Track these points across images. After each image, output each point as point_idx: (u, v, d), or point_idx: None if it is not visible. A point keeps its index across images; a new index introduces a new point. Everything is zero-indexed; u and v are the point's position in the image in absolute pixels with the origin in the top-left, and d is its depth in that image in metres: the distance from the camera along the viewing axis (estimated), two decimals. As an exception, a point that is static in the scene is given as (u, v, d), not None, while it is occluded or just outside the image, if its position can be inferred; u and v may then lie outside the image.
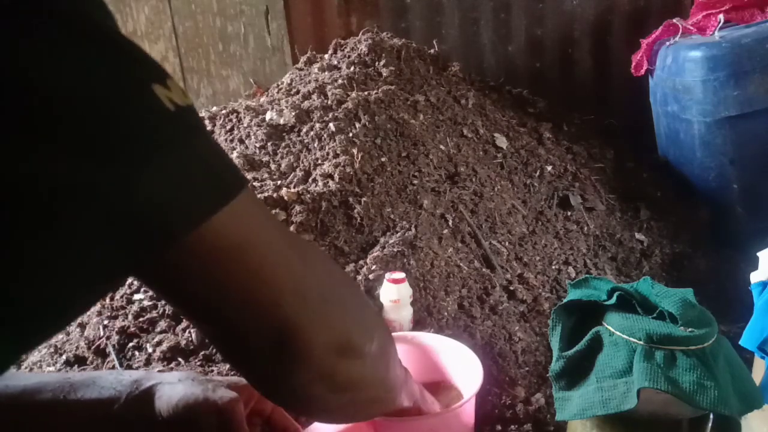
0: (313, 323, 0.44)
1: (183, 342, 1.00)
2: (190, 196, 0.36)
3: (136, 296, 1.10)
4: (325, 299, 0.45)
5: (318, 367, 0.45)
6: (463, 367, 0.82)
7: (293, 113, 1.35)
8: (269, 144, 1.32)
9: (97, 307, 1.10)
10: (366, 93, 1.37)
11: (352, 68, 1.50)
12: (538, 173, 1.49)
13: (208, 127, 1.49)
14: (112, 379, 0.61)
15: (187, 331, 1.02)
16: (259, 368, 0.45)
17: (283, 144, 1.32)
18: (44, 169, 0.30)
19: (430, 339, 0.88)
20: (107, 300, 1.10)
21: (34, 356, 1.08)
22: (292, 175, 1.25)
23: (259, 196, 1.16)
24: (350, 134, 1.28)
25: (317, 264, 0.48)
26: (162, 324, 1.05)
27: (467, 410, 0.75)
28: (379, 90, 1.39)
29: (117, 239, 0.33)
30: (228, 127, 1.43)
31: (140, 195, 0.33)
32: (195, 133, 0.37)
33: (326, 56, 1.62)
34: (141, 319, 1.06)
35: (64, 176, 0.31)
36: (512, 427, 0.94)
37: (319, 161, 1.25)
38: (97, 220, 0.32)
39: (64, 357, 1.05)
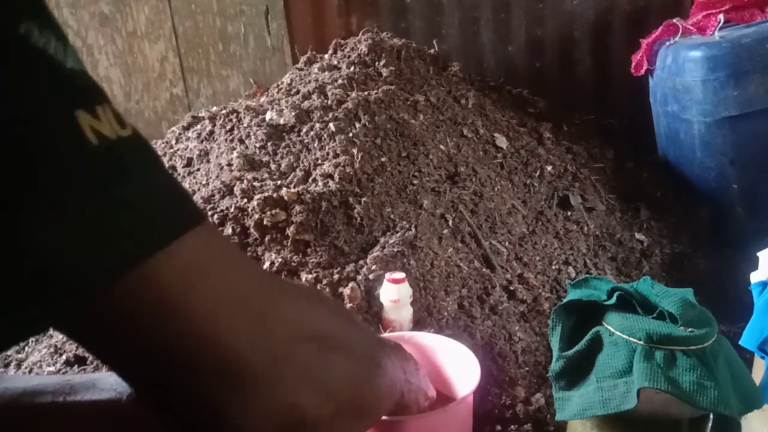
0: (250, 405, 0.36)
1: (183, 342, 1.00)
2: (103, 245, 0.30)
3: (136, 296, 1.10)
4: (267, 379, 0.37)
5: None
6: (461, 367, 0.82)
7: (293, 113, 1.35)
8: (269, 144, 1.32)
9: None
10: (366, 93, 1.37)
11: (352, 68, 1.50)
12: (538, 173, 1.49)
13: (208, 128, 1.48)
14: (112, 381, 0.60)
15: (187, 331, 1.02)
16: None
17: (283, 144, 1.32)
18: None
19: (426, 339, 0.88)
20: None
21: (35, 356, 1.08)
22: (292, 175, 1.25)
23: (258, 196, 1.16)
24: (350, 134, 1.28)
25: (280, 326, 0.39)
26: (162, 324, 1.05)
27: (465, 408, 0.75)
28: (379, 90, 1.39)
29: (25, 287, 0.29)
30: (228, 127, 1.43)
31: (43, 244, 0.28)
32: (118, 173, 0.31)
33: (326, 56, 1.62)
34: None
35: None
36: (512, 427, 0.94)
37: (319, 161, 1.25)
38: (7, 264, 0.28)
39: (64, 357, 1.05)
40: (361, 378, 0.46)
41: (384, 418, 0.67)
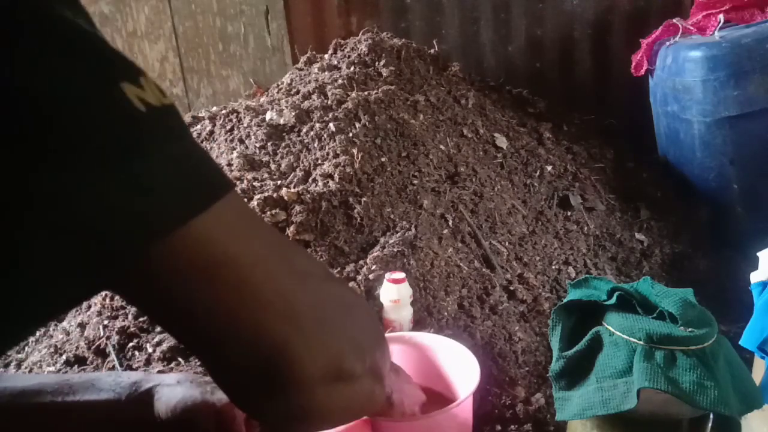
0: (303, 350, 0.40)
1: (183, 342, 1.00)
2: (158, 204, 0.33)
3: (136, 296, 1.10)
4: (317, 320, 0.42)
5: (308, 396, 0.41)
6: (461, 367, 0.82)
7: (293, 113, 1.35)
8: (269, 144, 1.32)
9: (97, 307, 1.10)
10: (366, 93, 1.37)
11: (352, 68, 1.50)
12: (538, 173, 1.49)
13: (208, 127, 1.49)
14: (110, 381, 0.60)
15: (187, 331, 1.02)
16: (243, 392, 0.42)
17: (283, 144, 1.32)
18: (5, 175, 0.29)
19: (426, 339, 0.88)
20: (107, 300, 1.10)
21: (35, 356, 1.08)
22: (292, 175, 1.25)
23: (259, 196, 1.16)
24: (350, 134, 1.28)
25: (311, 279, 0.44)
26: (162, 324, 1.05)
27: (465, 409, 0.76)
28: (379, 90, 1.39)
29: (82, 250, 0.31)
30: (228, 127, 1.43)
31: (104, 203, 0.31)
32: (168, 136, 0.34)
33: (326, 56, 1.62)
34: (141, 319, 1.06)
35: (26, 183, 0.29)
36: (512, 427, 0.94)
37: (319, 161, 1.25)
38: (61, 228, 0.30)
39: (64, 357, 1.05)
40: (379, 344, 0.51)
41: (383, 420, 0.67)
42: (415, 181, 1.27)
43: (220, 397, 0.60)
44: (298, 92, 1.45)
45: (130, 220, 0.32)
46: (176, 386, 0.60)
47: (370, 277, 1.07)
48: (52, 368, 1.04)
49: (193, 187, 0.35)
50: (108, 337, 1.05)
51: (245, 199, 1.18)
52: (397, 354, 0.85)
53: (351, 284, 1.06)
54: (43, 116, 0.29)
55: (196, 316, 0.37)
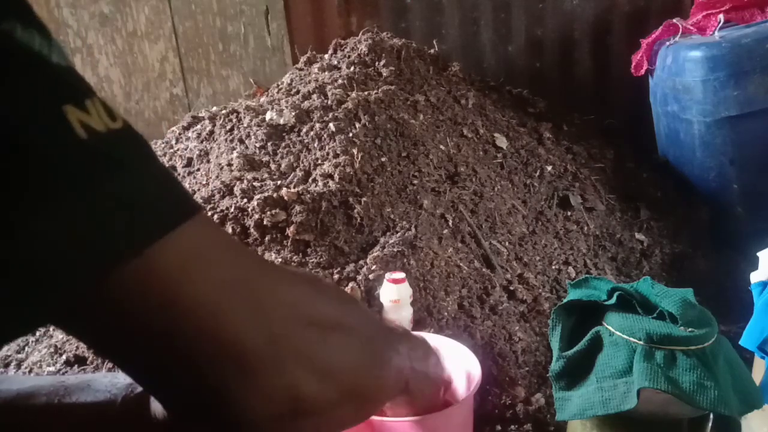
0: (246, 392, 0.36)
1: (183, 342, 1.00)
2: (89, 245, 0.30)
3: (136, 296, 1.10)
4: (271, 357, 0.37)
5: None
6: (462, 368, 0.82)
7: (293, 113, 1.35)
8: (269, 144, 1.32)
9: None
10: (366, 93, 1.37)
11: (352, 68, 1.50)
12: (538, 173, 1.49)
13: (208, 128, 1.48)
14: (107, 382, 0.60)
15: (187, 331, 1.02)
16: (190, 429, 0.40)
17: (283, 144, 1.32)
18: None
19: (428, 339, 0.88)
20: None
21: (34, 356, 1.08)
22: (292, 175, 1.25)
23: (258, 196, 1.16)
24: (350, 134, 1.28)
25: (277, 308, 0.39)
26: (162, 324, 1.05)
27: (465, 409, 0.75)
28: (379, 90, 1.39)
29: (18, 286, 0.29)
30: (228, 127, 1.43)
31: (34, 240, 0.28)
32: (110, 165, 0.31)
33: (326, 56, 1.62)
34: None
35: None
36: (512, 427, 0.94)
37: (319, 161, 1.25)
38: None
39: (64, 357, 1.05)
40: (363, 364, 0.45)
41: (385, 419, 0.67)
42: (415, 181, 1.27)
43: None
44: (298, 92, 1.45)
45: (59, 259, 0.29)
46: None
47: (370, 277, 1.07)
48: (52, 368, 1.04)
49: (139, 219, 0.32)
50: (108, 337, 1.05)
51: (245, 199, 1.17)
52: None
53: (351, 284, 1.06)
54: None
55: (137, 353, 0.35)
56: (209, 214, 1.17)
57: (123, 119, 0.32)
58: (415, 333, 0.65)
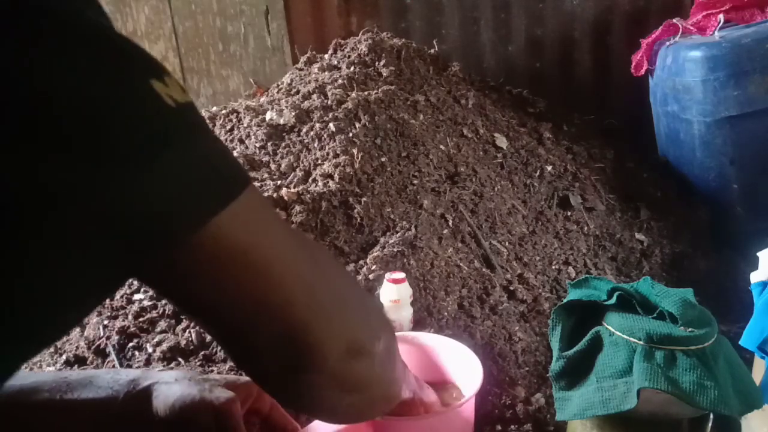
0: (325, 325, 0.43)
1: (183, 342, 1.00)
2: (191, 196, 0.35)
3: (136, 296, 1.10)
4: (335, 300, 0.45)
5: (330, 369, 0.44)
6: (463, 367, 0.82)
7: (293, 113, 1.35)
8: (269, 144, 1.32)
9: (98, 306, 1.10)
10: (366, 93, 1.37)
11: (352, 68, 1.50)
12: (538, 173, 1.49)
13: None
14: (108, 379, 0.60)
15: (187, 331, 1.02)
16: (268, 370, 0.44)
17: (283, 144, 1.32)
18: (44, 173, 0.30)
19: (429, 339, 0.88)
20: (107, 300, 1.10)
21: (34, 356, 1.08)
22: (292, 175, 1.25)
23: (259, 196, 1.16)
24: (350, 134, 1.28)
25: (325, 264, 0.47)
26: (162, 324, 1.05)
27: (467, 410, 0.75)
28: (379, 90, 1.39)
29: (116, 241, 0.32)
30: (228, 127, 1.43)
31: (139, 196, 0.32)
32: (196, 130, 0.36)
33: (326, 56, 1.62)
34: (141, 319, 1.06)
35: (63, 179, 0.30)
36: (512, 427, 0.94)
37: (319, 161, 1.25)
38: (96, 222, 0.31)
39: (64, 357, 1.05)
40: (391, 330, 0.55)
41: (390, 418, 0.67)
42: (415, 181, 1.27)
43: (218, 395, 0.60)
44: (298, 92, 1.45)
45: (160, 215, 0.33)
46: (174, 384, 0.60)
47: (370, 277, 1.07)
48: (52, 368, 1.04)
49: (217, 183, 0.36)
50: (108, 337, 1.05)
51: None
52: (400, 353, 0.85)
53: (351, 284, 1.06)
54: (76, 115, 0.30)
55: (222, 306, 0.39)
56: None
57: (189, 94, 0.37)
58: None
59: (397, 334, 0.92)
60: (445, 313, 1.07)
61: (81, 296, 0.34)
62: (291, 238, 0.43)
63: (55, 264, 0.32)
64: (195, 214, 0.35)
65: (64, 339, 1.09)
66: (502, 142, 1.51)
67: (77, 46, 0.32)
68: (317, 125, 1.31)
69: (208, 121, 1.50)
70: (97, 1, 0.37)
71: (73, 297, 0.34)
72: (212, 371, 0.96)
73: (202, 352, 0.99)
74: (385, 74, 1.49)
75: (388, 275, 1.02)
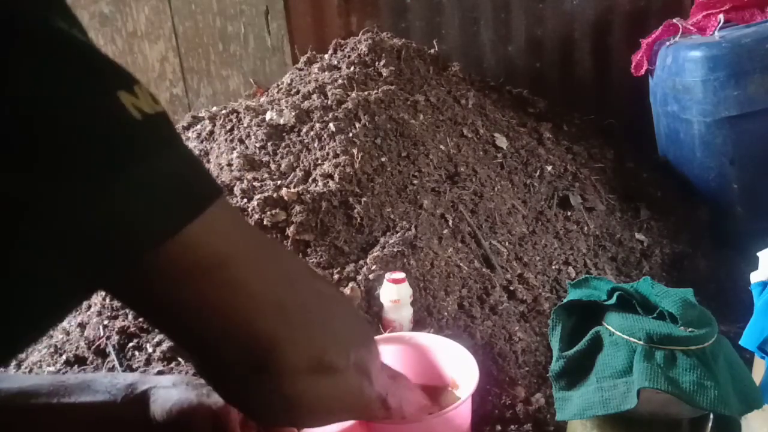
0: (289, 344, 0.42)
1: (183, 342, 1.00)
2: (155, 210, 0.34)
3: (136, 296, 1.10)
4: (303, 314, 0.44)
5: (292, 387, 0.44)
6: (460, 368, 0.82)
7: (293, 113, 1.35)
8: (269, 144, 1.32)
9: (97, 307, 1.10)
10: (366, 93, 1.37)
11: (352, 68, 1.50)
12: (538, 173, 1.49)
13: (208, 127, 1.49)
14: (106, 383, 0.60)
15: (187, 331, 1.02)
16: (230, 384, 0.44)
17: (283, 144, 1.32)
18: (5, 185, 0.29)
19: (426, 339, 0.88)
20: (107, 300, 1.10)
21: (34, 356, 1.08)
22: (292, 175, 1.25)
23: (258, 196, 1.16)
24: (350, 134, 1.28)
25: (296, 277, 0.46)
26: (162, 324, 1.05)
27: (463, 411, 0.75)
28: (379, 90, 1.39)
29: (79, 256, 0.32)
30: (228, 127, 1.43)
31: (102, 210, 0.32)
32: (162, 142, 0.35)
33: (326, 56, 1.62)
34: (141, 319, 1.06)
35: (24, 192, 0.30)
36: (512, 427, 0.94)
37: (319, 161, 1.25)
38: (58, 236, 0.31)
39: (64, 357, 1.05)
40: (365, 343, 0.54)
41: (383, 421, 0.67)
42: (415, 181, 1.27)
43: (216, 399, 0.60)
44: (298, 92, 1.45)
45: (123, 229, 0.33)
46: (172, 388, 0.60)
47: (370, 277, 1.07)
48: (51, 368, 1.04)
49: (187, 194, 0.36)
50: (108, 337, 1.05)
51: (245, 199, 1.18)
52: (397, 354, 0.85)
53: (351, 284, 1.06)
54: (39, 127, 0.30)
55: (189, 316, 0.39)
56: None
57: (161, 104, 0.37)
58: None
59: (393, 334, 0.92)
60: (445, 313, 1.07)
61: (44, 310, 0.34)
62: (262, 252, 0.43)
63: (18, 275, 0.31)
64: (159, 228, 0.34)
65: (64, 339, 1.09)
66: (502, 142, 1.51)
67: (43, 57, 0.31)
68: (317, 125, 1.31)
69: (208, 121, 1.50)
70: (71, 12, 0.36)
71: (38, 309, 0.33)
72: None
73: (202, 352, 0.99)
74: (385, 74, 1.49)
75: (388, 275, 1.02)
